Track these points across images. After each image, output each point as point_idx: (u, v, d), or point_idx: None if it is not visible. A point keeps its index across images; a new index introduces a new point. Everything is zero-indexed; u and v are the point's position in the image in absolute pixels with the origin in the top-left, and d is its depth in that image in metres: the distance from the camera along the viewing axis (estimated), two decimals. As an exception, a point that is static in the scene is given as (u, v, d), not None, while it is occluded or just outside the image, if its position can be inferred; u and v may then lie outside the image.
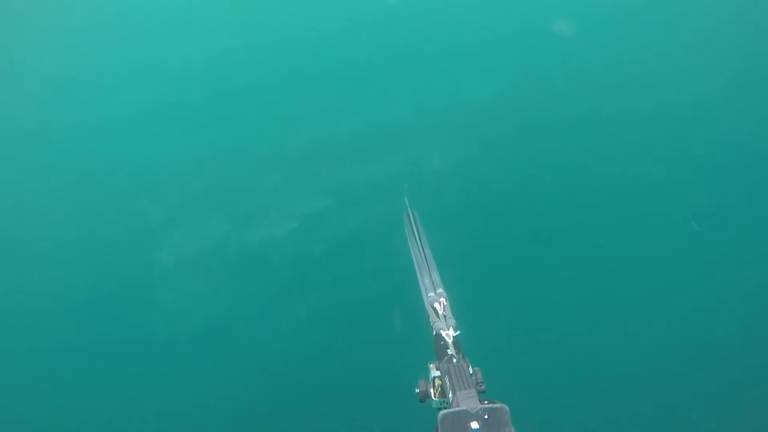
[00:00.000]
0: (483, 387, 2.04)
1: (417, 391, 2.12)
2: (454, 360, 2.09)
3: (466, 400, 1.75)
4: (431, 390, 2.17)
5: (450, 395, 1.90)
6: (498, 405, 1.66)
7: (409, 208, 3.77)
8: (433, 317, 2.48)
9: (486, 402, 1.80)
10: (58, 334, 6.25)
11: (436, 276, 2.76)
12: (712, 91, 7.37)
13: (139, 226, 6.90)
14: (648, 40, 7.81)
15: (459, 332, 2.43)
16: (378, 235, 6.14)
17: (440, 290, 2.70)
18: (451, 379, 1.92)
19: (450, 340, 2.28)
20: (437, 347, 2.28)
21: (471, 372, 2.10)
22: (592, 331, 5.85)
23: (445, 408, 2.02)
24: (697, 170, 6.90)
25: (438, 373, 2.15)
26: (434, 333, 2.39)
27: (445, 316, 2.53)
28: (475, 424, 1.61)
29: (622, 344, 5.76)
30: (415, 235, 3.29)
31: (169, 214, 6.91)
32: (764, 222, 6.40)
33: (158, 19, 8.68)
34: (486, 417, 1.61)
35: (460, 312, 2.73)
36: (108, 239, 6.90)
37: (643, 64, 7.66)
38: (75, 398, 6.01)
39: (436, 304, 2.64)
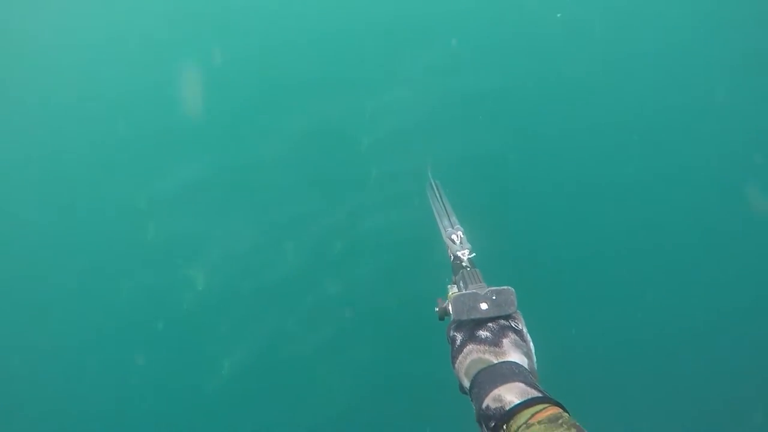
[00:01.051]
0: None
1: (436, 310, 2.25)
2: (467, 268, 2.23)
3: (476, 288, 1.92)
4: (449, 307, 2.31)
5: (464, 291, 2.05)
6: (504, 287, 1.82)
7: (432, 179, 3.98)
8: (450, 246, 2.65)
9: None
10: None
11: (454, 219, 2.93)
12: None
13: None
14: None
15: (474, 254, 2.59)
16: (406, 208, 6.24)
17: (457, 226, 2.87)
18: (464, 280, 2.08)
19: (465, 258, 2.44)
20: (454, 269, 2.43)
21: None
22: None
23: None
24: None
25: (455, 288, 2.29)
26: (451, 258, 2.55)
27: (461, 244, 2.70)
28: (484, 305, 1.77)
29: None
30: (436, 196, 3.48)
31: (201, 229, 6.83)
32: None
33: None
34: (494, 297, 1.77)
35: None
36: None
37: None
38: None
39: (453, 236, 2.81)
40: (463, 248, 2.54)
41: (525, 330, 1.79)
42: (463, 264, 2.35)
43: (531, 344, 1.79)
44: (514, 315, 1.79)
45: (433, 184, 3.98)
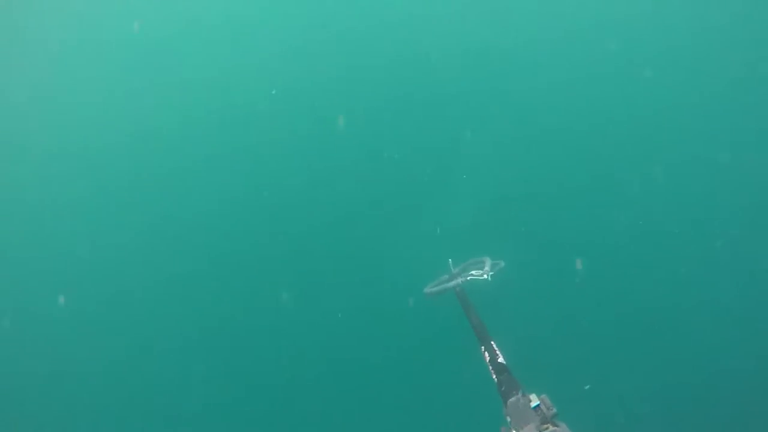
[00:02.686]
0: (554, 410, 2.19)
1: None
2: (514, 400, 2.37)
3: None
4: None
5: None
6: (558, 426, 1.92)
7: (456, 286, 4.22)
8: (491, 370, 2.81)
9: (550, 427, 2.08)
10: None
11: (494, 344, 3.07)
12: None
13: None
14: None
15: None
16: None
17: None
18: (513, 422, 2.21)
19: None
20: (501, 394, 2.58)
21: (536, 404, 2.39)
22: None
23: None
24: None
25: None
26: (496, 381, 2.70)
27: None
28: None
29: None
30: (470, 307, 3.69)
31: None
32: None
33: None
34: None
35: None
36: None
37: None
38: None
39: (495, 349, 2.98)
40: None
41: None
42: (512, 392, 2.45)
43: None
44: None
45: (458, 291, 4.17)
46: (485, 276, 4.37)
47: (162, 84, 8.50)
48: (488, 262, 4.66)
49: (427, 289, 4.81)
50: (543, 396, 2.30)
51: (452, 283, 4.41)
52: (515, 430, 2.17)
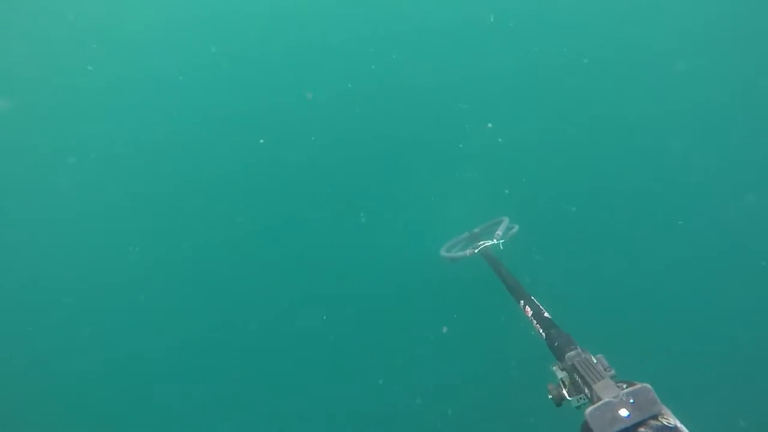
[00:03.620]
0: (612, 371, 2.02)
1: (550, 396, 2.12)
2: (573, 354, 2.08)
3: (605, 391, 1.74)
4: (563, 391, 2.16)
5: (586, 391, 1.89)
6: (638, 385, 1.64)
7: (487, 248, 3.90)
8: (537, 326, 2.51)
9: (625, 385, 1.79)
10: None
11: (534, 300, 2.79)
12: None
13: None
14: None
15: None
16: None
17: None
18: (581, 375, 1.92)
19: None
20: (553, 349, 2.28)
21: (595, 361, 2.08)
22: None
23: (585, 405, 2.01)
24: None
25: (564, 374, 2.14)
26: (545, 336, 2.40)
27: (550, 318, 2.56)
28: (624, 411, 1.60)
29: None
30: (499, 267, 3.38)
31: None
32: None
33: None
34: (632, 400, 1.60)
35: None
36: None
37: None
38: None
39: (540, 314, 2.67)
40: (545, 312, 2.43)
41: (679, 425, 1.60)
42: (569, 348, 2.19)
43: None
44: (662, 411, 1.61)
45: (488, 254, 3.85)
46: (495, 241, 4.05)
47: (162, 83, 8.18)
48: (506, 223, 4.39)
49: (444, 252, 4.51)
50: (599, 355, 2.14)
51: (466, 252, 4.10)
52: (588, 385, 1.85)
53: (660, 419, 1.60)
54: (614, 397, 1.64)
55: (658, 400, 1.61)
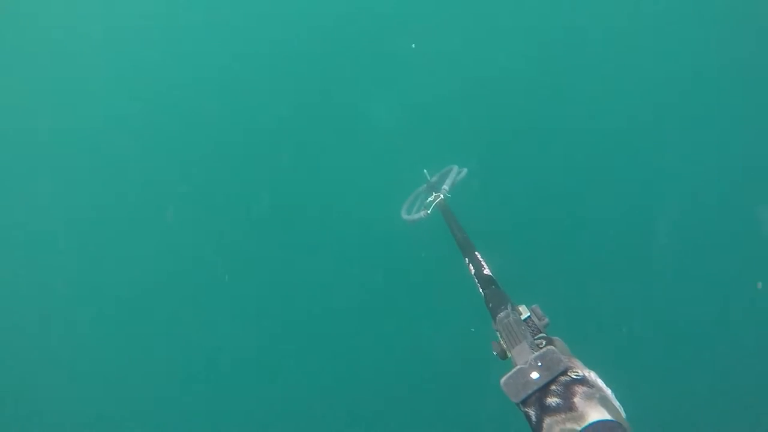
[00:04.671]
0: (546, 320, 2.03)
1: (495, 353, 2.22)
2: (503, 316, 2.15)
3: (519, 356, 1.84)
4: (504, 347, 2.24)
5: (509, 356, 1.99)
6: (544, 349, 1.73)
7: (440, 196, 3.93)
8: (478, 284, 2.57)
9: (543, 342, 1.89)
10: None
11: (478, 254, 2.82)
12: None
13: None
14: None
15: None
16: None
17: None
18: (504, 340, 2.01)
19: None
20: (488, 309, 2.36)
21: (527, 315, 2.17)
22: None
23: None
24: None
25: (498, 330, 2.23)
26: (483, 295, 2.48)
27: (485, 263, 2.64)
28: (534, 374, 1.70)
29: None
30: (448, 215, 3.41)
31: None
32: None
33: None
34: (539, 363, 1.70)
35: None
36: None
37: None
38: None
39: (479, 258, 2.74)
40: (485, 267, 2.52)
41: (588, 372, 1.71)
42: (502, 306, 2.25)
43: (600, 382, 1.71)
44: (570, 366, 1.72)
45: (442, 202, 3.88)
46: (443, 195, 4.07)
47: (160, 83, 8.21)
48: (454, 172, 4.40)
49: (404, 214, 4.52)
50: (534, 306, 2.12)
51: (421, 214, 4.13)
52: (507, 348, 1.96)
53: (569, 373, 1.71)
54: (524, 363, 1.74)
55: (563, 358, 1.68)
